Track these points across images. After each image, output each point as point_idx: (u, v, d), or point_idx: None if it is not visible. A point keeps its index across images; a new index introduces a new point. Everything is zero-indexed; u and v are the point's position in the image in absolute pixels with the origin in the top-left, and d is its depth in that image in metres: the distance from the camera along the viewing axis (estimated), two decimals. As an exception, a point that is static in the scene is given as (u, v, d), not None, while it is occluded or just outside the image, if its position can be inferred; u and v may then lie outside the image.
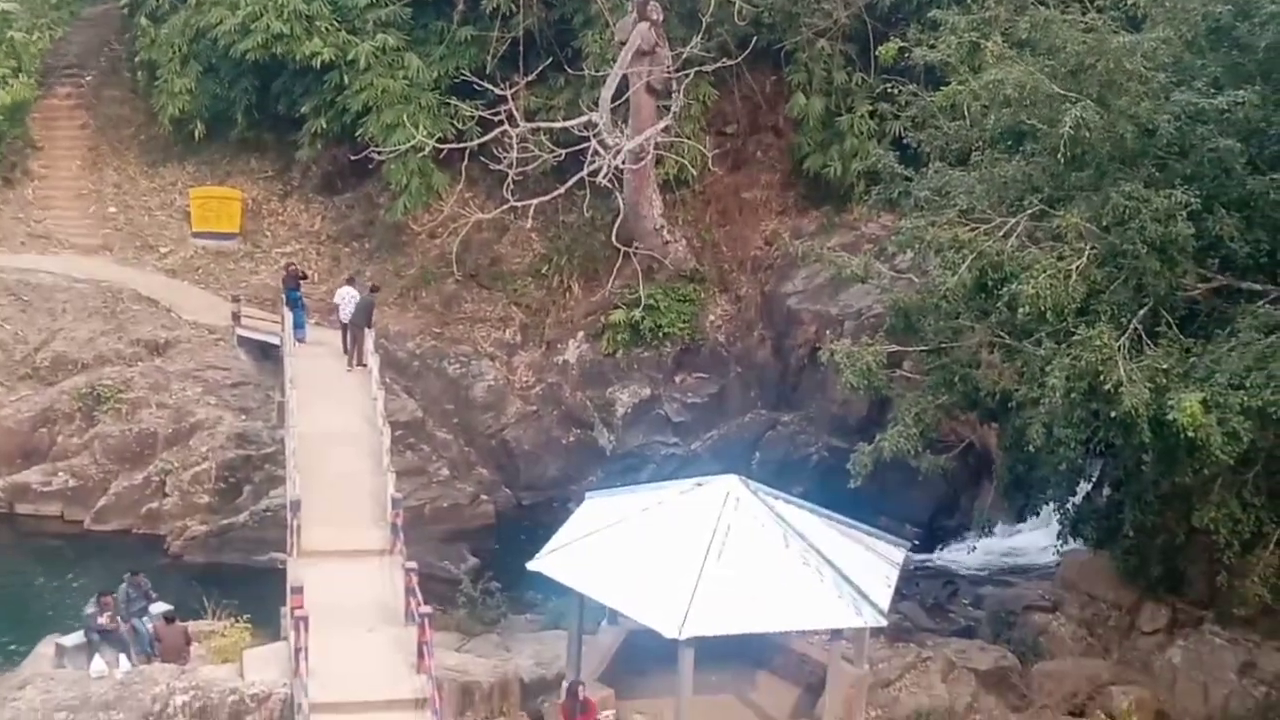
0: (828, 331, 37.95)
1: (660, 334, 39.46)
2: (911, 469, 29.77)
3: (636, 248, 39.29)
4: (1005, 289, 24.64)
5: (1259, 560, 24.92)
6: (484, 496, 37.62)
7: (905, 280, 30.65)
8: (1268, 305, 23.80)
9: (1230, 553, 24.98)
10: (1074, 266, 23.92)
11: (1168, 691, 27.96)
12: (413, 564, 25.09)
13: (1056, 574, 32.44)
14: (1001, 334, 26.06)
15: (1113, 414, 23.18)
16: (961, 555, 36.90)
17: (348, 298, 35.40)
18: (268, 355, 37.20)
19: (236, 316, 38.10)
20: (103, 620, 24.97)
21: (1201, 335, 24.55)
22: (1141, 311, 24.16)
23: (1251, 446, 22.83)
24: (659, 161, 39.52)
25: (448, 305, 40.70)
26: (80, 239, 42.22)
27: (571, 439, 39.59)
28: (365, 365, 34.05)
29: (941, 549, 37.34)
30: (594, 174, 36.11)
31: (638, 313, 38.99)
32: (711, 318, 40.52)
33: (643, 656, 24.86)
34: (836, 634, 23.61)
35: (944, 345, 27.63)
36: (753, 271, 41.59)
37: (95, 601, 25.43)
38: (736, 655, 24.74)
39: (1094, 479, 30.73)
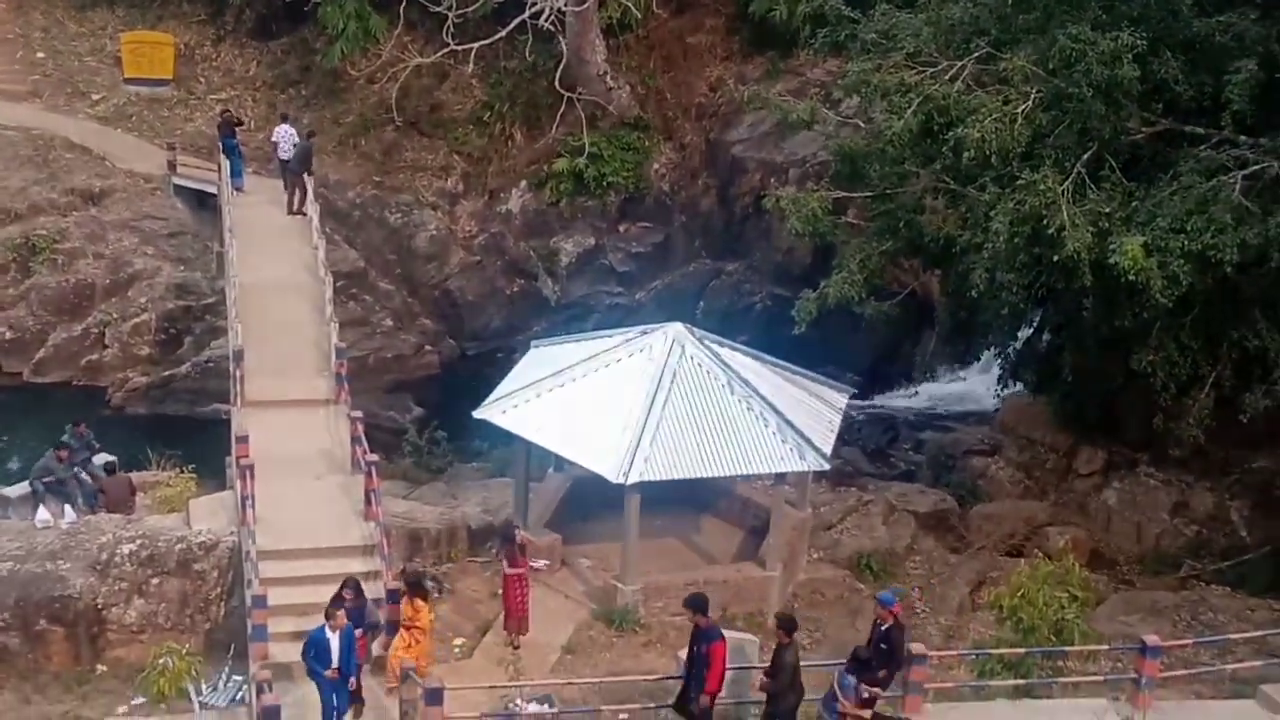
0: (772, 179, 37.79)
1: (604, 183, 39.11)
2: (854, 316, 30.01)
3: (580, 94, 38.72)
4: (951, 133, 24.61)
5: (1194, 402, 25.39)
6: (428, 347, 37.52)
7: (851, 126, 30.49)
8: (1209, 149, 23.87)
9: (1167, 395, 25.47)
10: (1019, 110, 23.89)
11: (1103, 531, 28.68)
12: (358, 413, 25.02)
13: (995, 418, 32.95)
14: (946, 179, 26.05)
15: (1055, 258, 23.37)
16: (903, 401, 37.39)
17: (285, 136, 34.86)
18: (205, 204, 36.59)
19: (172, 165, 37.35)
20: (60, 470, 24.91)
21: (1144, 179, 24.66)
22: (1086, 155, 24.19)
23: (1190, 290, 23.14)
24: (602, 4, 38.81)
25: (388, 153, 40.06)
26: (7, 85, 41.02)
27: (515, 289, 39.45)
28: (305, 214, 33.55)
29: (883, 395, 37.75)
30: (536, 17, 35.42)
31: (581, 161, 38.58)
32: (656, 166, 40.19)
33: (589, 502, 25.06)
34: (780, 478, 23.85)
35: (889, 191, 27.61)
36: (697, 119, 41.19)
37: (49, 454, 25.35)
38: (681, 500, 24.99)
39: (1034, 324, 31.07)
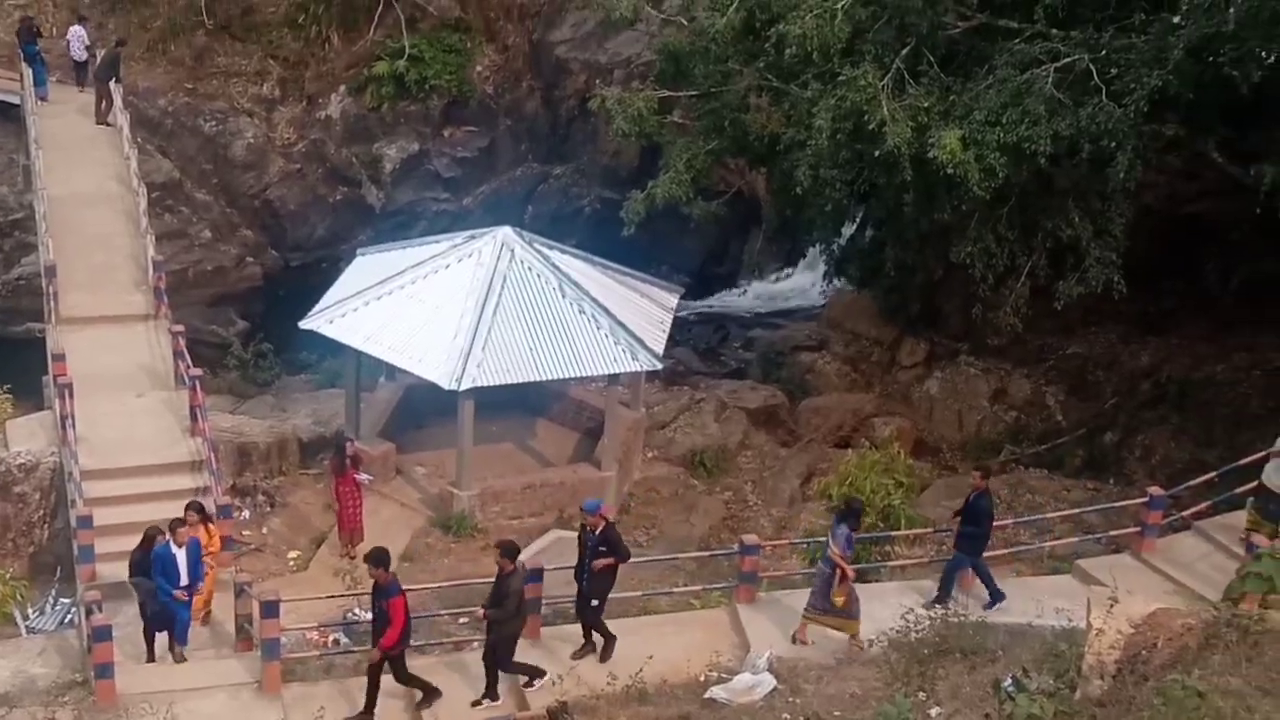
0: (598, 80, 37.44)
1: (426, 86, 38.29)
2: (683, 218, 30.15)
3: (398, -6, 37.81)
4: (773, 30, 24.67)
5: (1011, 292, 26.16)
6: (250, 259, 36.54)
7: (675, 24, 30.37)
8: (1023, 43, 24.33)
9: (985, 286, 26.19)
10: (839, 6, 24.00)
11: (926, 420, 29.54)
12: (179, 327, 24.36)
13: (822, 314, 33.53)
14: (770, 77, 26.17)
15: (876, 153, 23.73)
16: (732, 300, 37.80)
17: (76, 37, 33.74)
18: (8, 115, 34.89)
19: (-31, 75, 35.55)
20: None
21: (962, 73, 25.05)
22: (904, 51, 24.47)
23: (1006, 182, 23.70)
24: (419, -98, 37.83)
25: (199, 59, 38.58)
26: None
27: (339, 197, 38.54)
28: (112, 124, 32.28)
29: (713, 295, 38.10)
30: (350, -85, 34.39)
31: (402, 64, 37.70)
32: (479, 68, 39.47)
33: (422, 410, 24.94)
34: (613, 379, 24.01)
35: (714, 90, 27.65)
36: (520, 19, 40.48)
37: None
38: (516, 405, 25.01)
39: (858, 220, 31.58)
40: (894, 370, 30.88)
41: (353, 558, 21.48)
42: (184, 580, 17.71)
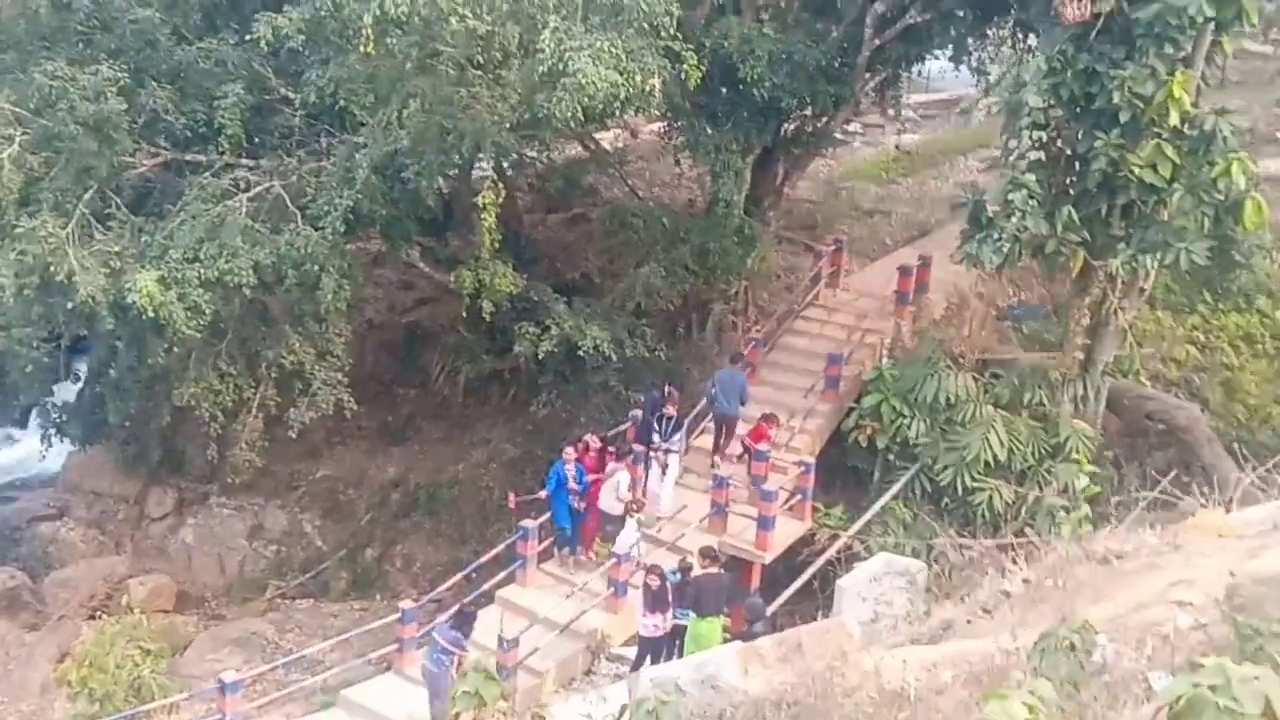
0: None
1: None
2: None
3: None
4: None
5: (245, 427, 25.51)
6: None
7: None
8: (212, 175, 23.93)
9: (217, 424, 25.32)
10: (6, 154, 22.39)
11: (186, 570, 28.26)
12: None
13: (59, 479, 31.17)
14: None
15: (70, 305, 22.31)
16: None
17: None
18: None
19: None
20: None
21: (157, 212, 24.19)
22: (87, 195, 23.17)
23: (217, 317, 23.07)
24: None
25: None
26: None
27: None
28: None
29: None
30: None
31: None
32: None
33: None
34: None
35: None
36: None
37: None
38: None
39: (77, 375, 29.73)
40: (144, 524, 29.22)
41: None
42: None
